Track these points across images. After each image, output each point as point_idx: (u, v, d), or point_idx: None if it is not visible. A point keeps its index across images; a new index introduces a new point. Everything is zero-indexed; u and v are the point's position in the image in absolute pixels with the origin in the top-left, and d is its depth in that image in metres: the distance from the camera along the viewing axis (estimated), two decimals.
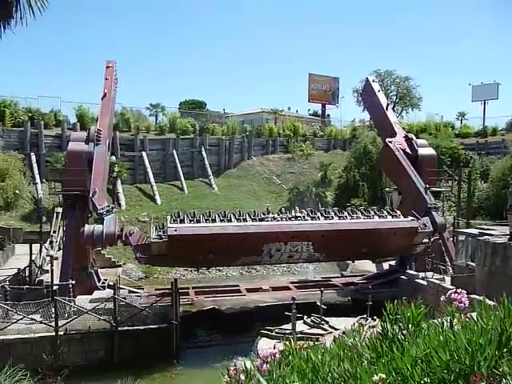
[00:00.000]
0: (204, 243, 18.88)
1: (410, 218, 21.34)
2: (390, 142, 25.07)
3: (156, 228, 19.97)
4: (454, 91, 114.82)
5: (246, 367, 2.57)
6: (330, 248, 21.16)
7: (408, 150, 24.88)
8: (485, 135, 46.81)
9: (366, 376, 2.19)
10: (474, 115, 53.10)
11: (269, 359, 2.71)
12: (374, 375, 2.15)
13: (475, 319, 2.36)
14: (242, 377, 2.50)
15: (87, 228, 18.95)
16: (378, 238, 20.84)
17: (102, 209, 19.30)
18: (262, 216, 20.80)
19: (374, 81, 30.33)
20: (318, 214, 21.48)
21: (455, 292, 2.79)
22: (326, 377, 2.36)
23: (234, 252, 20.17)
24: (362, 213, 21.91)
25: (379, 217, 21.64)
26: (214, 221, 19.88)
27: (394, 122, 26.63)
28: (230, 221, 19.96)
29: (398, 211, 22.56)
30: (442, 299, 2.82)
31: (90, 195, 19.60)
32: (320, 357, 2.64)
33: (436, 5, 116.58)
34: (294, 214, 21.21)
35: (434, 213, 22.31)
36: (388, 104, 28.91)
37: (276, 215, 21.18)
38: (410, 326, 2.74)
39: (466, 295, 2.73)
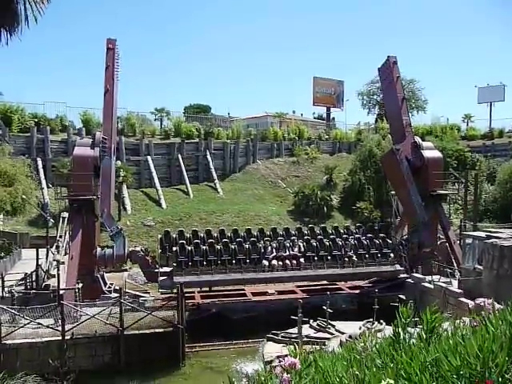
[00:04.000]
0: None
1: (397, 266, 23.28)
2: (398, 149, 24.79)
3: (162, 241, 22.75)
4: (459, 93, 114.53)
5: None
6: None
7: (413, 159, 24.48)
8: (491, 137, 46.60)
9: (374, 381, 2.17)
10: (481, 117, 52.99)
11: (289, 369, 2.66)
12: (381, 381, 2.12)
13: (485, 324, 2.33)
14: None
15: (99, 251, 20.81)
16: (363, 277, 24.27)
17: (112, 231, 21.11)
18: (257, 242, 22.71)
19: (395, 62, 25.81)
20: (314, 244, 23.23)
21: (483, 301, 2.75)
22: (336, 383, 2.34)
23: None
24: (355, 244, 23.76)
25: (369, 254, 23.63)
26: (212, 249, 21.93)
27: (405, 123, 25.48)
28: (227, 245, 22.26)
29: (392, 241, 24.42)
30: (470, 306, 2.80)
31: (99, 215, 21.08)
32: (329, 364, 2.60)
33: (441, 6, 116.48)
34: (290, 252, 22.86)
35: (423, 232, 23.07)
36: (404, 98, 26.46)
37: (271, 241, 23.15)
38: (423, 330, 2.69)
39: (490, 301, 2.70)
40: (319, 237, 24.05)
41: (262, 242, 23.08)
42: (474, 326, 2.69)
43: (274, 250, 22.75)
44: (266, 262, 22.18)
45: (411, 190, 23.84)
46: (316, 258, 22.93)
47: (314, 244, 23.31)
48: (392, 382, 2.10)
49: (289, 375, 2.44)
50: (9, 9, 4.70)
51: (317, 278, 22.61)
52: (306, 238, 23.87)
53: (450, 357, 2.08)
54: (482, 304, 2.62)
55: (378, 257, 23.60)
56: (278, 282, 22.04)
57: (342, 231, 25.45)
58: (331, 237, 24.23)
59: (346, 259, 23.11)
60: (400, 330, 2.69)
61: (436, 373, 2.06)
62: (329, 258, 23.12)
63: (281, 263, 22.41)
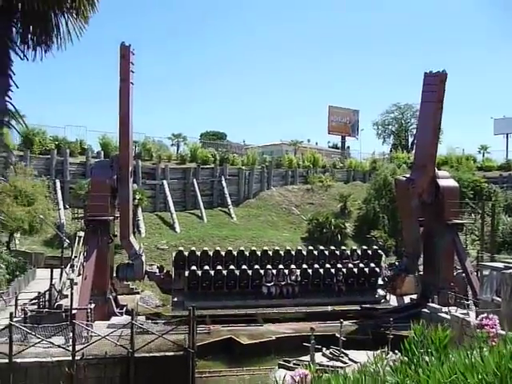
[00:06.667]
0: None
1: (380, 291, 26.04)
2: (413, 186, 24.09)
3: (176, 259, 25.13)
4: (475, 124, 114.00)
5: None
6: None
7: (425, 196, 24.35)
8: (508, 169, 46.23)
9: None
10: (497, 148, 52.59)
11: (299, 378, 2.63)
12: None
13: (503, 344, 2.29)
14: None
15: (121, 270, 22.65)
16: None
17: (131, 255, 22.55)
18: (259, 270, 25.07)
19: (443, 81, 23.59)
20: (310, 272, 25.40)
21: (486, 317, 2.71)
22: None
23: None
24: (345, 273, 25.93)
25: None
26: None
27: (431, 154, 24.45)
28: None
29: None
30: (472, 324, 2.77)
31: (121, 243, 23.06)
32: (342, 382, 2.56)
33: (456, 37, 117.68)
34: (287, 280, 25.16)
35: (413, 261, 24.81)
36: (438, 128, 25.10)
37: (272, 269, 25.29)
38: (435, 349, 2.65)
39: (497, 321, 2.65)
40: (315, 265, 25.92)
41: (264, 270, 25.22)
42: (492, 345, 2.65)
43: (273, 278, 25.17)
44: (265, 290, 24.75)
45: (414, 226, 24.94)
46: (310, 287, 25.34)
47: (310, 272, 25.51)
48: None
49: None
50: (47, 25, 4.96)
51: (307, 304, 24.73)
52: (303, 267, 25.82)
53: (467, 375, 2.06)
54: (484, 322, 2.58)
55: (364, 285, 25.98)
56: (274, 307, 24.39)
57: (338, 253, 27.44)
58: (326, 266, 25.96)
59: (336, 288, 25.54)
60: (414, 347, 2.64)
61: None
62: (323, 285, 25.61)
63: (279, 290, 24.98)
